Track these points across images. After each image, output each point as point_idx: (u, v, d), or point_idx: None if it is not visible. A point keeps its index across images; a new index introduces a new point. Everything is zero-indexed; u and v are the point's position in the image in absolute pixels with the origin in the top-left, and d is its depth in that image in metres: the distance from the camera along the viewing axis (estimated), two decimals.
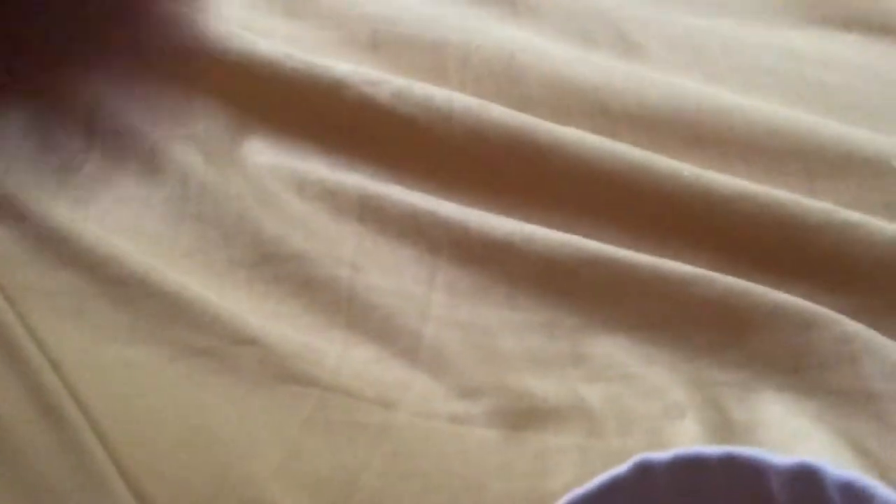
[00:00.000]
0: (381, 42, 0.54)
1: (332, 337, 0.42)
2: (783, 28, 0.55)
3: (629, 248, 0.42)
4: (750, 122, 0.47)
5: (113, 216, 0.47)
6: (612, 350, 0.40)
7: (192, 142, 0.50)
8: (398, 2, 0.57)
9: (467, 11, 0.56)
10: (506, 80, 0.51)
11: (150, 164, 0.49)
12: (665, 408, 0.38)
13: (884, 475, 0.33)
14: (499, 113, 0.46)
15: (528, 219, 0.44)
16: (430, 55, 0.53)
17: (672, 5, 0.56)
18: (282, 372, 0.40)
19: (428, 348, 0.41)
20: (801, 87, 0.49)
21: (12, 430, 0.37)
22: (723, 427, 0.37)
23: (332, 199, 0.47)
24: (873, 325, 0.38)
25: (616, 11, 0.56)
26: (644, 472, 0.27)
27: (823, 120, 0.46)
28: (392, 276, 0.44)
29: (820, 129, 0.46)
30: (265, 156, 0.49)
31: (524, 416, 0.38)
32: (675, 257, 0.42)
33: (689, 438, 0.36)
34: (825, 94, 0.49)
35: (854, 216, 0.41)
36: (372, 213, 0.46)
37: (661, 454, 0.27)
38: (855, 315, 0.38)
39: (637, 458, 0.27)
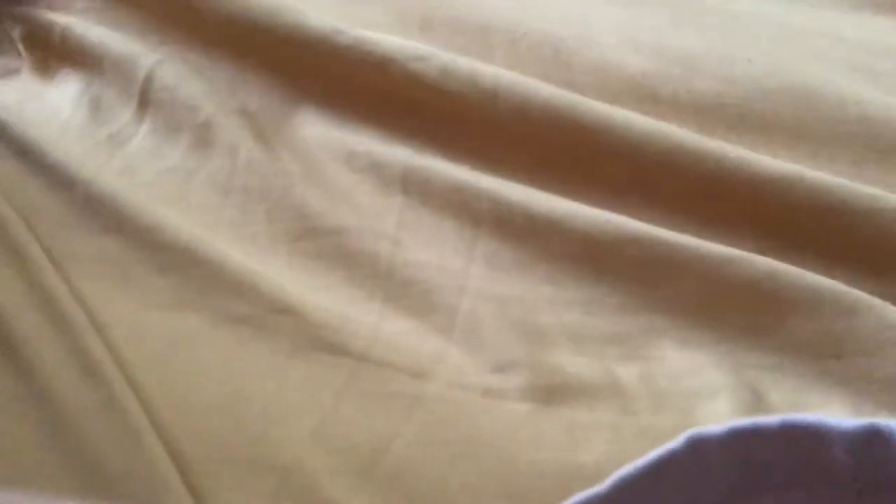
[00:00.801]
0: (429, 25, 0.54)
1: (369, 309, 0.42)
2: (833, 14, 0.54)
3: (671, 228, 0.42)
4: (797, 107, 0.46)
5: (159, 187, 0.48)
6: (650, 330, 0.40)
7: (244, 116, 0.50)
8: None
9: None
10: (553, 65, 0.50)
11: (201, 138, 0.50)
12: (699, 388, 0.38)
13: None
14: (546, 92, 0.46)
15: (571, 196, 0.44)
16: (478, 39, 0.53)
17: None
18: (318, 341, 0.40)
19: (463, 322, 0.41)
20: (849, 74, 0.49)
21: (53, 388, 0.38)
22: (757, 409, 0.36)
23: (378, 170, 0.47)
24: None
25: None
26: (697, 447, 0.26)
27: (873, 106, 0.46)
28: (432, 248, 0.44)
29: (869, 115, 0.45)
30: (315, 128, 0.50)
31: (556, 392, 0.38)
32: (718, 239, 0.41)
33: (722, 419, 0.36)
34: (874, 81, 0.48)
35: None
36: (416, 186, 0.46)
37: (715, 428, 0.26)
38: None
39: (689, 433, 0.26)
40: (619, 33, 0.52)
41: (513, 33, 0.53)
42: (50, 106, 0.55)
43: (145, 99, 0.52)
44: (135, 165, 0.49)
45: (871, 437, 0.24)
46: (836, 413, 0.36)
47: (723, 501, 0.26)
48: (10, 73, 0.60)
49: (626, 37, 0.51)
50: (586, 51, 0.51)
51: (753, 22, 0.53)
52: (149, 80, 0.52)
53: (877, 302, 0.37)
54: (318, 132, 0.50)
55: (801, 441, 0.25)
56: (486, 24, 0.53)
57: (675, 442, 0.26)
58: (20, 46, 0.58)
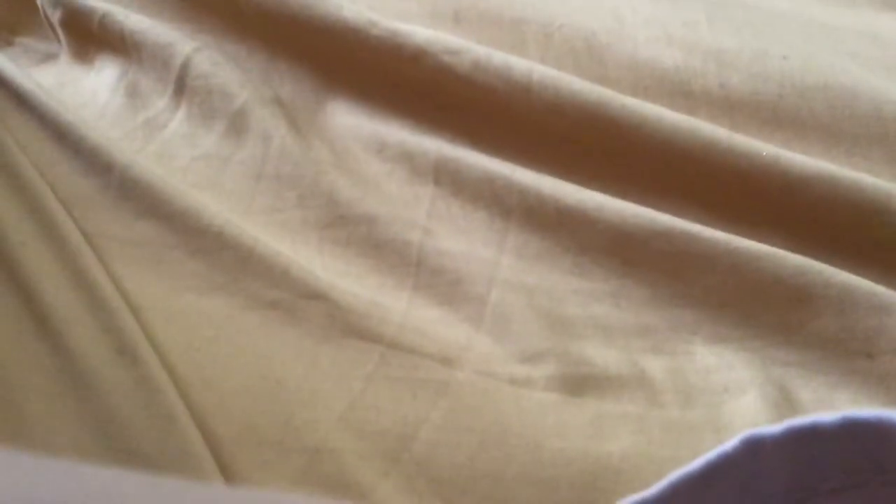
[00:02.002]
0: (462, 17, 0.54)
1: (399, 296, 0.42)
2: (868, 12, 0.54)
3: (702, 224, 0.42)
4: (832, 105, 0.46)
5: (193, 172, 0.49)
6: (678, 324, 0.40)
7: (278, 104, 0.51)
8: None
9: None
10: (586, 59, 0.50)
11: (235, 125, 0.50)
12: (727, 384, 0.38)
13: None
14: (578, 86, 0.46)
15: (601, 191, 0.44)
16: (512, 32, 0.53)
17: None
18: (347, 327, 0.41)
19: (492, 312, 0.41)
20: (885, 73, 0.48)
21: (89, 367, 0.38)
22: (786, 406, 0.36)
23: (410, 160, 0.48)
24: None
25: None
26: (752, 449, 0.25)
27: None
28: (462, 238, 0.44)
29: None
30: (347, 117, 0.50)
31: (583, 383, 0.38)
32: (749, 236, 0.41)
33: (750, 414, 0.36)
34: None
35: None
36: (447, 176, 0.47)
37: (772, 428, 0.25)
38: None
39: (745, 434, 0.25)
40: (653, 28, 0.52)
41: (546, 27, 0.52)
42: (88, 91, 0.55)
43: (181, 86, 0.52)
44: (170, 151, 0.50)
45: None
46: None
47: None
48: (49, 57, 0.61)
49: (660, 31, 0.51)
50: (619, 45, 0.51)
51: (788, 19, 0.52)
52: (185, 67, 0.52)
53: None
54: (350, 122, 0.50)
55: (863, 439, 0.24)
56: (519, 18, 0.53)
57: (729, 443, 0.25)
58: (59, 31, 0.59)
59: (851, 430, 0.24)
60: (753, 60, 0.48)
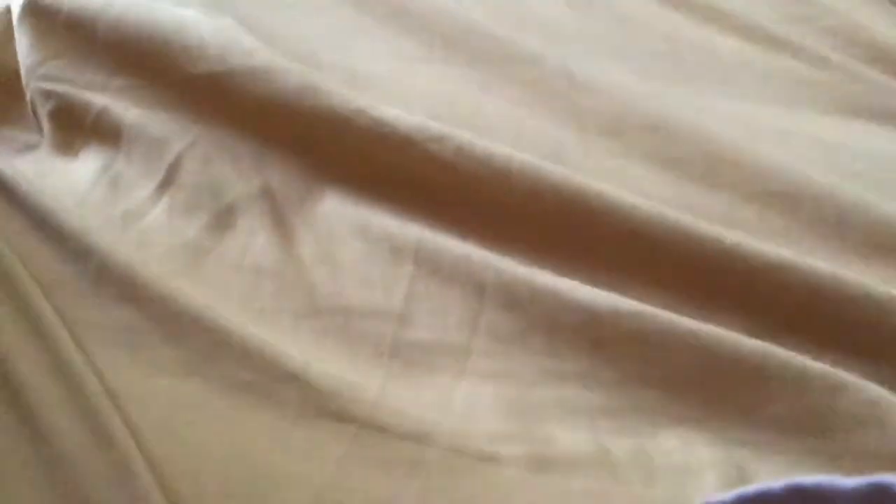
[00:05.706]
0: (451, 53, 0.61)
1: (373, 375, 0.43)
2: (808, 115, 0.57)
3: (669, 308, 0.44)
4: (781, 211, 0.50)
5: (173, 261, 0.50)
6: (643, 405, 0.42)
7: (267, 197, 0.53)
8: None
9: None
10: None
11: (221, 220, 0.52)
12: (688, 463, 0.39)
13: None
14: (557, 175, 0.49)
15: (575, 275, 0.46)
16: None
17: (701, 86, 0.60)
18: (322, 408, 0.41)
19: (461, 402, 0.43)
20: (827, 174, 0.52)
21: (65, 449, 0.39)
22: (743, 486, 0.37)
23: (392, 241, 0.49)
24: None
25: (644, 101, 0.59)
26: None
27: (851, 205, 0.49)
28: (437, 322, 0.46)
29: (847, 215, 0.49)
30: (335, 204, 0.52)
31: (550, 462, 0.39)
32: (711, 319, 0.43)
33: (709, 493, 0.37)
34: (853, 179, 0.51)
35: (886, 291, 0.42)
36: (427, 255, 0.48)
37: (723, 496, 0.27)
38: (881, 382, 0.39)
39: (698, 502, 0.27)
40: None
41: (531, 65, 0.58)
42: (69, 181, 0.56)
43: (169, 180, 0.54)
44: (148, 239, 0.51)
45: (878, 494, 0.25)
46: None
47: None
48: (29, 147, 0.62)
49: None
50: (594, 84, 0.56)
51: (727, 122, 0.56)
52: (177, 163, 0.54)
53: (860, 381, 0.39)
54: (336, 207, 0.52)
55: (808, 503, 0.25)
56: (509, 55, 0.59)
57: None
58: (45, 122, 0.60)
59: (796, 496, 0.25)
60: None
